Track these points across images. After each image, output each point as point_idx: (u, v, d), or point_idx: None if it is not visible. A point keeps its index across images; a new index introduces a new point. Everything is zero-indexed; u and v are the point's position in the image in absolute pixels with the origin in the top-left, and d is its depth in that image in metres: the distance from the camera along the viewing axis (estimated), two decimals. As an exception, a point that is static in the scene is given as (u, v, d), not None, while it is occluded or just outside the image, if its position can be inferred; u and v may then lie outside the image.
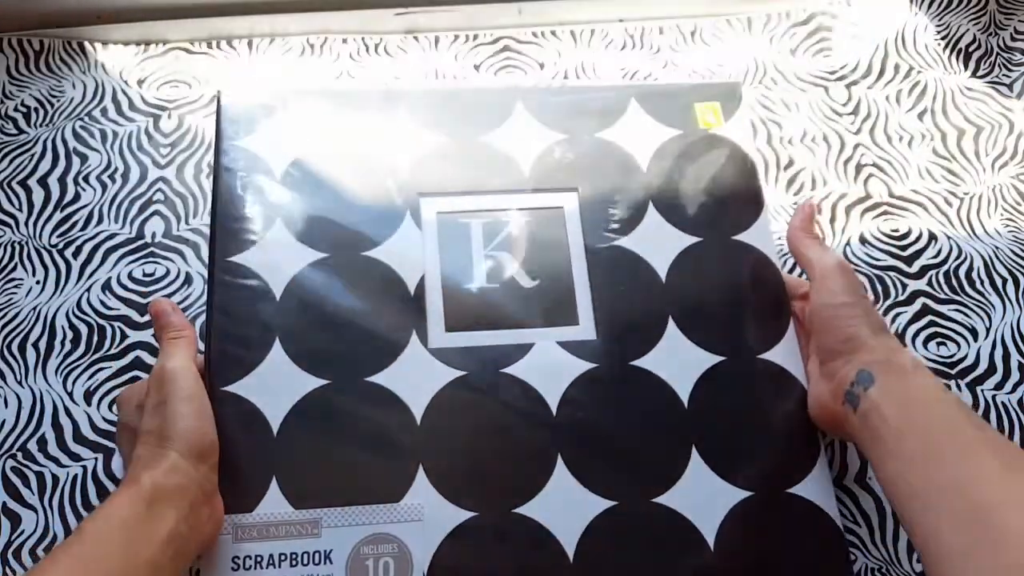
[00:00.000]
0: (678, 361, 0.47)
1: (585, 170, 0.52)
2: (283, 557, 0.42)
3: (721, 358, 0.48)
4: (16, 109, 0.61)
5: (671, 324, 0.48)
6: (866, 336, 0.43)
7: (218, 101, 0.52)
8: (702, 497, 0.45)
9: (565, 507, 0.44)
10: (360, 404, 0.45)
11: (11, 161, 0.59)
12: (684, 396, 0.46)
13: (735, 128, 0.54)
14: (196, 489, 0.40)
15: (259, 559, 0.41)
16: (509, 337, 0.47)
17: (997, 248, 0.57)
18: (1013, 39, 0.65)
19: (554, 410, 0.45)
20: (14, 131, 0.60)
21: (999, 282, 0.56)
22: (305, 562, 0.42)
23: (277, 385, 0.45)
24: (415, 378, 0.46)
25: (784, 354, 0.48)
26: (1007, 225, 0.59)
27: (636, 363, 0.47)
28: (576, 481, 0.44)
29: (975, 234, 0.58)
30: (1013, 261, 0.57)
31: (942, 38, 0.65)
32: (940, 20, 0.65)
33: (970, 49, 0.65)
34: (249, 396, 0.45)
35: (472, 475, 0.45)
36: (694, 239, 0.51)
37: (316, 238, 0.49)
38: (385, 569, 0.42)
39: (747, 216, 0.52)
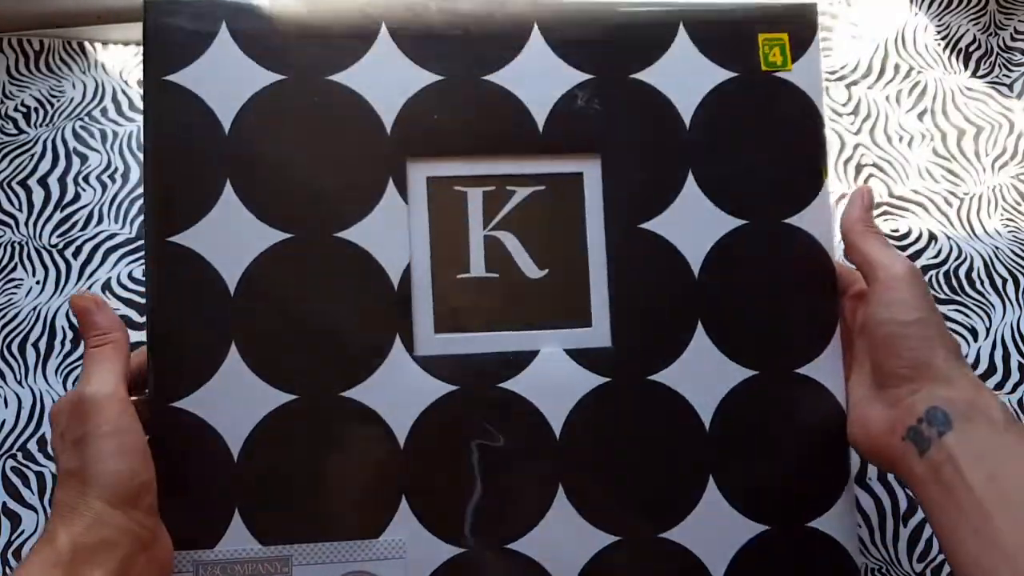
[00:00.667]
0: (704, 376, 0.39)
1: (613, 125, 0.40)
2: (250, 597, 0.35)
3: (753, 372, 0.39)
4: (16, 109, 0.57)
5: (700, 330, 0.39)
6: (941, 363, 0.35)
7: (145, 20, 0.39)
8: (715, 532, 0.38)
9: (564, 542, 0.38)
10: (334, 425, 0.37)
11: (11, 161, 0.55)
12: (707, 418, 0.39)
13: (805, 71, 0.41)
14: (127, 540, 0.33)
15: (224, 600, 0.35)
16: (509, 341, 0.39)
17: (997, 248, 0.53)
18: (1013, 39, 0.61)
19: (557, 434, 0.38)
20: (14, 131, 0.56)
21: (999, 282, 0.53)
22: (275, 603, 0.35)
23: (236, 401, 0.37)
24: (398, 394, 0.38)
25: (825, 369, 0.40)
26: (1007, 225, 0.55)
27: (654, 377, 0.39)
28: (577, 513, 0.38)
29: (975, 234, 0.54)
30: (1013, 261, 0.53)
31: (942, 38, 0.60)
32: (940, 20, 0.61)
33: (970, 49, 0.60)
34: (202, 414, 0.37)
35: (461, 507, 0.37)
36: (738, 222, 0.40)
37: (277, 213, 0.38)
38: (363, 611, 0.35)
39: (804, 193, 0.41)
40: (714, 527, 0.38)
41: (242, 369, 0.37)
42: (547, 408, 0.38)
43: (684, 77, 0.41)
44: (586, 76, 0.40)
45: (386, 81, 0.39)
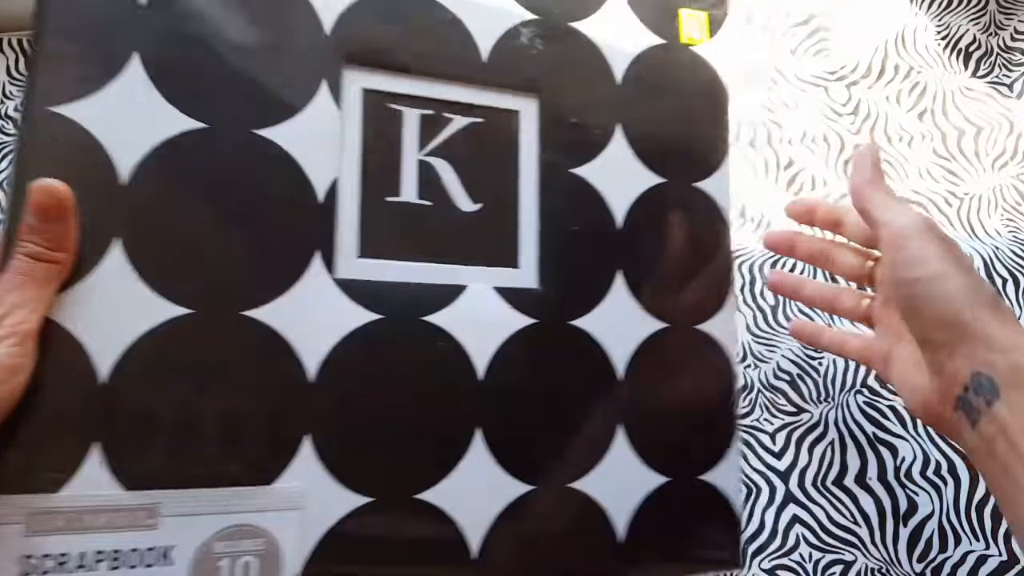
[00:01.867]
0: (619, 325, 0.39)
1: (551, 68, 0.39)
2: (100, 556, 0.29)
3: (664, 325, 0.40)
4: (16, 109, 0.57)
5: (619, 280, 0.39)
6: (971, 319, 0.30)
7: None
8: (621, 483, 0.38)
9: (478, 493, 0.35)
10: (231, 347, 0.31)
11: (11, 161, 0.60)
12: (620, 367, 0.39)
13: (719, 47, 0.44)
14: None
15: (63, 559, 0.28)
16: (437, 273, 0.36)
17: (997, 248, 0.52)
18: (1013, 39, 0.60)
19: (481, 374, 0.36)
20: (14, 131, 0.57)
21: (999, 282, 0.51)
22: (133, 563, 0.29)
23: (111, 310, 0.30)
24: (313, 318, 0.33)
25: (720, 326, 0.41)
26: (1007, 225, 0.53)
27: (575, 323, 0.38)
28: (494, 461, 0.36)
29: (975, 234, 0.53)
30: (1013, 261, 0.51)
31: (942, 38, 0.59)
32: (940, 20, 0.60)
33: (970, 49, 0.59)
34: (66, 323, 0.30)
35: (372, 451, 0.33)
36: (658, 179, 0.41)
37: (191, 96, 0.32)
38: (245, 571, 0.31)
39: (710, 161, 0.42)
40: (621, 478, 0.38)
41: (125, 271, 0.30)
42: (473, 346, 0.36)
43: (616, 34, 0.41)
44: (532, 16, 0.39)
45: None
